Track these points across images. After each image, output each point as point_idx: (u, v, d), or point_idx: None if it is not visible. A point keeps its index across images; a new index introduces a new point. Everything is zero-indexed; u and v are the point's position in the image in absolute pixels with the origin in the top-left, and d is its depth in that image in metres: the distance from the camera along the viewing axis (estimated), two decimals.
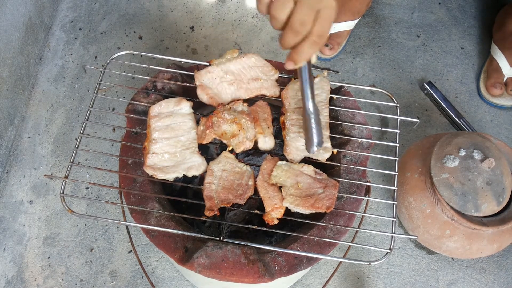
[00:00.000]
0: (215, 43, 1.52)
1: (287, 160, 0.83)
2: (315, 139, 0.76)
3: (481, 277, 1.21)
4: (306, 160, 0.82)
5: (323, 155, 0.81)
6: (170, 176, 0.78)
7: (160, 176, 0.77)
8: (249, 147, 0.81)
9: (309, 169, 0.80)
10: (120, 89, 1.42)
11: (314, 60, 0.69)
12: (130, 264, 1.21)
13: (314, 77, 0.88)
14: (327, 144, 0.82)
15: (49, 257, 1.22)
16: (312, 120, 0.74)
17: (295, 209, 0.76)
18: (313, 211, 0.76)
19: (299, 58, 0.66)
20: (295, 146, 0.82)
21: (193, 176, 0.79)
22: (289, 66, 0.67)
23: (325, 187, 0.77)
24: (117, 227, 1.25)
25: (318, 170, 0.80)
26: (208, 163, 0.81)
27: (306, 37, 0.63)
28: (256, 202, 1.00)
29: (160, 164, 0.79)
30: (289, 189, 0.78)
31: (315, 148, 0.76)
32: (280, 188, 0.79)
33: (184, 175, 0.79)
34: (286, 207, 0.77)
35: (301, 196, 0.77)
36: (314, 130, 0.75)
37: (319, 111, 0.76)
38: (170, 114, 0.83)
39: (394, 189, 0.82)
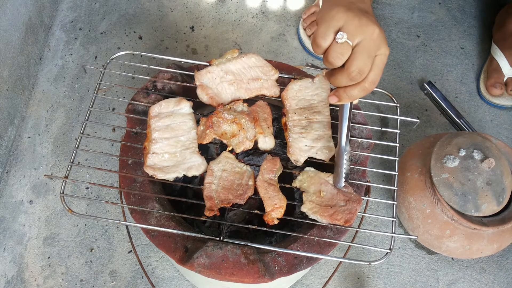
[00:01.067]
0: (215, 43, 1.52)
1: (288, 160, 0.83)
2: (343, 175, 0.77)
3: (481, 277, 1.21)
4: (308, 161, 0.82)
5: (326, 155, 0.81)
6: (170, 176, 0.78)
7: (160, 176, 0.77)
8: (249, 147, 0.81)
9: None
10: (120, 89, 1.42)
11: (356, 102, 0.71)
12: (130, 264, 1.21)
13: (314, 77, 0.88)
14: (331, 143, 0.82)
15: (49, 257, 1.22)
16: (345, 158, 0.75)
17: (312, 216, 0.76)
18: (330, 222, 0.76)
19: (345, 98, 0.66)
20: (298, 147, 0.82)
21: (193, 176, 0.79)
22: (332, 101, 0.67)
23: (348, 200, 0.77)
24: (117, 227, 1.25)
25: (345, 183, 0.80)
26: (208, 163, 0.81)
27: (359, 82, 0.63)
28: (256, 202, 1.00)
29: (160, 164, 0.79)
30: (311, 195, 0.78)
31: (342, 184, 0.77)
32: (280, 187, 0.80)
33: (184, 175, 0.79)
34: (286, 207, 0.77)
35: (321, 204, 0.77)
36: (344, 167, 0.76)
37: (350, 151, 0.77)
38: (170, 114, 0.83)
39: (394, 189, 0.82)
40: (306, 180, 0.80)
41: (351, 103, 0.71)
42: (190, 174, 0.78)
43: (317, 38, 0.61)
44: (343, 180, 0.77)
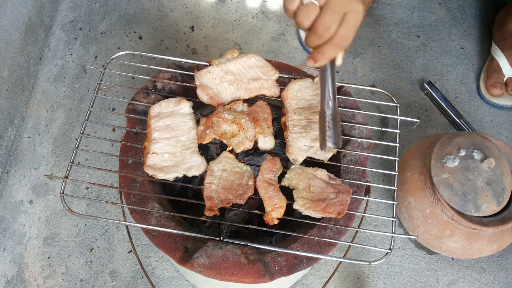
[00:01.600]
0: (215, 43, 1.52)
1: (287, 160, 0.83)
2: (331, 139, 0.74)
3: (481, 277, 1.21)
4: (308, 161, 0.82)
5: (325, 155, 0.81)
6: (170, 176, 0.78)
7: (160, 176, 0.77)
8: (249, 147, 0.81)
9: (322, 173, 0.80)
10: (120, 89, 1.42)
11: (339, 62, 0.69)
12: (130, 264, 1.21)
13: (314, 77, 0.88)
14: (330, 143, 0.82)
15: (49, 257, 1.22)
16: (327, 120, 0.73)
17: (305, 212, 0.76)
18: (324, 216, 0.76)
19: (320, 58, 0.66)
20: (297, 147, 0.82)
21: (193, 176, 0.79)
22: (309, 63, 0.68)
23: (338, 192, 0.77)
24: (117, 227, 1.25)
25: (332, 175, 0.80)
26: (208, 163, 0.81)
27: (329, 39, 0.64)
28: (256, 202, 1.00)
29: (160, 164, 0.79)
30: (301, 192, 0.78)
31: (327, 147, 0.74)
32: (281, 188, 0.80)
33: (184, 175, 0.79)
34: (286, 207, 0.77)
35: (313, 199, 0.77)
36: (328, 129, 0.74)
37: (339, 112, 0.75)
38: (170, 114, 0.83)
39: (394, 189, 0.82)
40: (294, 178, 0.80)
41: (332, 64, 0.70)
42: (190, 174, 0.78)
43: (285, 1, 0.63)
44: (332, 144, 0.73)
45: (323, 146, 0.75)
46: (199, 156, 0.80)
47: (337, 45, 0.65)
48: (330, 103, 0.73)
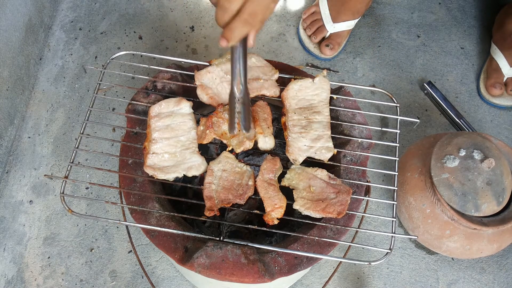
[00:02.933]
0: (215, 43, 1.52)
1: (287, 160, 0.83)
2: (242, 124, 0.73)
3: (481, 277, 1.21)
4: (308, 161, 0.82)
5: (325, 155, 0.81)
6: (170, 176, 0.78)
7: (160, 176, 0.77)
8: (249, 147, 0.81)
9: (322, 173, 0.80)
10: (120, 89, 1.42)
11: (250, 43, 0.68)
12: (130, 264, 1.21)
13: (314, 77, 0.88)
14: (329, 143, 0.82)
15: (49, 257, 1.22)
16: (237, 104, 0.72)
17: (305, 212, 0.76)
18: (324, 216, 0.76)
19: (230, 35, 0.64)
20: (297, 147, 0.82)
21: (193, 176, 0.79)
22: (222, 43, 0.65)
23: (338, 192, 0.77)
24: (117, 227, 1.25)
25: (332, 175, 0.80)
26: (208, 163, 0.81)
27: (238, 15, 0.62)
28: (256, 202, 1.00)
29: (160, 164, 0.79)
30: (301, 192, 0.78)
31: (235, 130, 0.73)
32: (281, 188, 0.80)
33: (184, 175, 0.79)
34: (286, 207, 0.77)
35: (313, 199, 0.77)
36: (237, 114, 0.72)
37: (249, 96, 0.73)
38: (170, 114, 0.83)
39: (394, 189, 0.82)
40: (294, 178, 0.80)
41: (244, 45, 0.68)
42: (190, 174, 0.78)
43: None
44: (242, 129, 0.73)
45: (231, 130, 0.74)
46: (199, 156, 0.80)
47: (245, 20, 0.63)
48: (241, 87, 0.71)
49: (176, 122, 0.83)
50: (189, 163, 0.79)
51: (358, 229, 0.84)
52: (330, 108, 0.87)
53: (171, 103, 0.84)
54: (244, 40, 0.68)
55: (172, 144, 0.81)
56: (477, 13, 1.60)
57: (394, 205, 0.80)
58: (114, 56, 0.90)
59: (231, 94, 0.73)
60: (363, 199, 0.83)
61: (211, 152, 1.09)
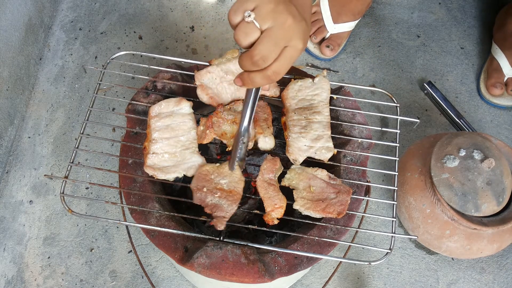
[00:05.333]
0: (215, 43, 1.52)
1: (287, 160, 0.83)
2: (237, 159, 0.74)
3: (481, 277, 1.21)
4: (308, 161, 0.82)
5: (325, 155, 0.81)
6: (170, 176, 0.78)
7: (160, 176, 0.77)
8: (249, 147, 0.81)
9: (322, 173, 0.80)
10: (120, 89, 1.42)
11: (266, 88, 0.70)
12: (130, 264, 1.21)
13: (314, 77, 0.88)
14: (329, 144, 0.82)
15: (49, 257, 1.22)
16: (241, 142, 0.73)
17: (305, 212, 0.76)
18: (324, 216, 0.76)
19: (248, 83, 0.64)
20: (297, 147, 0.82)
21: (193, 176, 0.79)
22: (237, 83, 0.65)
23: (338, 192, 0.78)
24: (117, 227, 1.25)
25: (332, 175, 0.80)
26: (207, 163, 0.81)
27: (262, 69, 0.62)
28: (256, 202, 1.00)
29: (160, 164, 0.79)
30: (301, 192, 0.78)
31: (234, 168, 0.75)
32: (281, 188, 0.80)
33: (184, 175, 0.79)
34: (286, 207, 0.77)
35: (313, 200, 0.77)
36: (239, 151, 0.73)
37: (250, 137, 0.75)
38: (170, 114, 0.83)
39: (394, 189, 0.82)
40: (295, 178, 0.80)
41: (257, 90, 0.68)
42: (190, 174, 0.78)
43: (230, 11, 0.61)
44: (235, 164, 0.74)
45: (232, 167, 0.75)
46: (199, 156, 0.80)
47: (268, 77, 0.63)
48: (246, 128, 0.72)
49: (176, 122, 0.83)
50: (189, 163, 0.79)
51: (358, 229, 0.84)
52: (330, 108, 0.87)
53: (171, 103, 0.84)
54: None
55: (172, 144, 0.81)
56: (477, 13, 1.60)
57: (394, 205, 0.80)
58: (114, 56, 0.90)
59: (237, 134, 0.73)
60: (363, 199, 0.83)
61: (211, 152, 1.09)
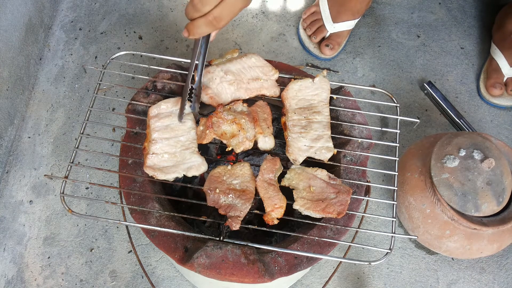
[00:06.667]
0: (215, 43, 1.52)
1: (287, 160, 0.83)
2: (192, 108, 0.82)
3: (481, 277, 1.21)
4: (308, 160, 0.82)
5: (325, 155, 0.81)
6: (170, 177, 0.78)
7: (160, 176, 0.77)
8: (248, 147, 0.81)
9: (322, 173, 0.80)
10: (120, 89, 1.42)
11: (211, 39, 0.75)
12: (130, 264, 1.21)
13: (314, 77, 0.88)
14: (329, 144, 0.82)
15: (49, 257, 1.22)
16: (193, 94, 0.80)
17: (305, 212, 0.76)
18: (324, 216, 0.76)
19: (193, 31, 0.70)
20: (297, 147, 0.82)
21: (193, 176, 0.79)
22: (184, 34, 0.71)
23: (338, 192, 0.77)
24: (117, 227, 1.25)
25: (332, 175, 0.80)
26: (207, 163, 0.81)
27: (204, 15, 0.68)
28: (256, 202, 1.00)
29: (160, 164, 0.79)
30: (301, 192, 0.78)
31: (181, 119, 0.81)
32: (281, 188, 0.80)
33: (184, 175, 0.79)
34: (286, 207, 0.77)
35: (313, 199, 0.77)
36: (191, 103, 0.81)
37: (201, 88, 0.81)
38: (169, 114, 0.83)
39: (394, 189, 0.82)
40: (294, 178, 0.80)
41: (205, 43, 0.74)
42: (190, 174, 0.78)
43: None
44: (183, 114, 0.80)
45: (181, 117, 0.81)
46: (199, 156, 0.80)
47: (209, 22, 0.68)
48: (197, 78, 0.79)
49: (176, 123, 0.83)
50: (189, 163, 0.79)
51: (358, 229, 0.84)
52: (330, 108, 0.87)
53: (169, 104, 0.84)
54: (207, 36, 0.74)
55: (172, 144, 0.81)
56: (477, 13, 1.60)
57: (394, 205, 0.80)
58: (114, 56, 0.90)
59: (186, 85, 0.79)
60: (363, 199, 0.83)
61: (211, 152, 1.09)
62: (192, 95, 0.81)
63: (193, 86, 0.81)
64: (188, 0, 0.68)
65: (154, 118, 0.83)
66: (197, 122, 0.85)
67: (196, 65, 0.80)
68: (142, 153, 0.84)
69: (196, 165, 0.79)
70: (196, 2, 0.67)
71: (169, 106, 0.84)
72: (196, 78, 0.80)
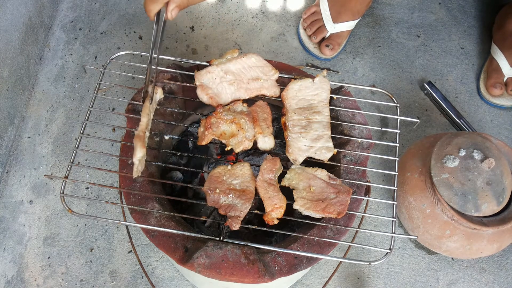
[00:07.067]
0: (215, 43, 1.52)
1: (287, 160, 0.83)
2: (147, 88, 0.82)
3: (481, 277, 1.21)
4: (308, 160, 0.82)
5: (325, 155, 0.81)
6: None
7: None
8: (248, 146, 0.81)
9: (322, 173, 0.80)
10: (120, 89, 1.42)
11: (169, 17, 0.77)
12: (130, 264, 1.21)
13: (314, 77, 0.88)
14: (329, 144, 0.82)
15: (49, 257, 1.22)
16: (153, 73, 0.81)
17: (305, 212, 0.76)
18: (324, 216, 0.76)
19: (146, 9, 0.75)
20: (297, 147, 0.82)
21: (193, 176, 0.79)
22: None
23: (338, 192, 0.78)
24: (117, 227, 1.25)
25: (332, 175, 0.80)
26: (207, 163, 0.81)
27: None
28: (256, 202, 1.00)
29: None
30: (301, 192, 0.78)
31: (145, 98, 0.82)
32: (281, 188, 0.80)
33: (184, 176, 0.79)
34: (286, 207, 0.77)
35: (313, 199, 0.77)
36: (151, 83, 0.82)
37: (157, 64, 0.83)
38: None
39: (394, 189, 0.82)
40: (294, 178, 0.80)
41: (157, 20, 0.77)
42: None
43: None
44: (146, 92, 0.81)
45: (144, 97, 0.81)
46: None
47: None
48: (156, 57, 0.80)
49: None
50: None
51: (358, 229, 0.84)
52: (330, 108, 0.87)
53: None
54: (158, 14, 0.77)
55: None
56: (477, 13, 1.60)
57: (394, 205, 0.80)
58: (114, 56, 0.90)
59: (149, 61, 0.80)
60: (363, 199, 0.83)
61: (211, 152, 1.09)
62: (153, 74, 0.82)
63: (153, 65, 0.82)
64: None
65: None
66: (197, 123, 0.85)
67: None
68: None
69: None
70: None
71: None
72: (156, 59, 0.81)
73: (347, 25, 1.44)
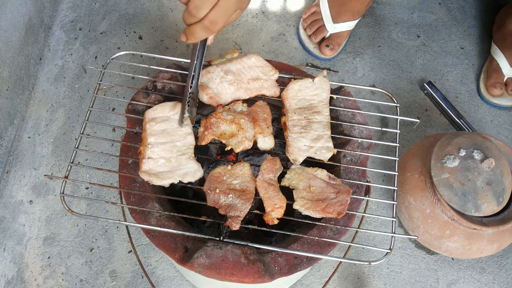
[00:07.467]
0: (215, 43, 1.52)
1: (287, 160, 0.83)
2: (190, 114, 0.82)
3: (481, 277, 1.21)
4: (308, 160, 0.82)
5: (325, 155, 0.81)
6: (165, 182, 0.77)
7: (156, 182, 0.76)
8: (248, 146, 0.81)
9: (322, 173, 0.80)
10: (120, 89, 1.42)
11: (209, 42, 0.77)
12: (130, 264, 1.21)
13: (314, 77, 0.88)
14: (329, 144, 0.82)
15: (49, 257, 1.22)
16: (189, 98, 0.81)
17: (305, 212, 0.76)
18: (324, 216, 0.76)
19: (190, 36, 0.72)
20: (297, 147, 0.82)
21: (189, 182, 0.78)
22: (182, 38, 0.74)
23: (338, 192, 0.77)
24: (117, 227, 1.25)
25: (332, 175, 0.80)
26: (206, 164, 0.81)
27: (200, 20, 0.70)
28: (256, 202, 1.00)
29: (156, 169, 0.78)
30: (301, 192, 0.78)
31: (181, 123, 0.82)
32: (281, 188, 0.80)
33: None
34: (286, 207, 0.77)
35: (313, 199, 0.77)
36: (188, 106, 0.81)
37: (198, 92, 0.82)
38: (167, 119, 0.83)
39: (394, 189, 0.82)
40: (294, 178, 0.80)
41: (203, 44, 0.76)
42: (185, 181, 0.77)
43: None
44: (183, 119, 0.81)
45: (181, 122, 0.81)
46: (195, 163, 0.79)
47: (206, 27, 0.70)
48: (194, 82, 0.80)
49: (172, 127, 0.82)
50: (185, 169, 0.78)
51: (358, 229, 0.84)
52: (330, 108, 0.87)
53: (166, 108, 0.84)
54: (204, 40, 0.76)
55: (168, 149, 0.80)
56: (477, 13, 1.60)
57: (394, 205, 0.80)
58: (114, 56, 0.90)
59: (186, 88, 0.80)
60: (363, 199, 0.83)
61: (211, 152, 1.09)
62: (189, 98, 0.81)
63: (190, 90, 0.81)
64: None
65: (151, 122, 0.82)
66: (198, 123, 0.85)
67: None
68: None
69: (192, 172, 0.78)
70: (191, 8, 0.70)
71: (166, 110, 0.83)
72: (194, 82, 0.81)
73: (347, 25, 1.44)
